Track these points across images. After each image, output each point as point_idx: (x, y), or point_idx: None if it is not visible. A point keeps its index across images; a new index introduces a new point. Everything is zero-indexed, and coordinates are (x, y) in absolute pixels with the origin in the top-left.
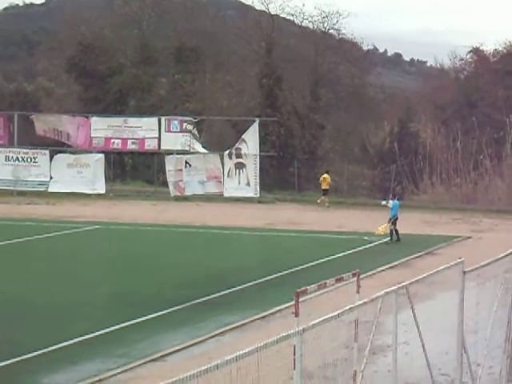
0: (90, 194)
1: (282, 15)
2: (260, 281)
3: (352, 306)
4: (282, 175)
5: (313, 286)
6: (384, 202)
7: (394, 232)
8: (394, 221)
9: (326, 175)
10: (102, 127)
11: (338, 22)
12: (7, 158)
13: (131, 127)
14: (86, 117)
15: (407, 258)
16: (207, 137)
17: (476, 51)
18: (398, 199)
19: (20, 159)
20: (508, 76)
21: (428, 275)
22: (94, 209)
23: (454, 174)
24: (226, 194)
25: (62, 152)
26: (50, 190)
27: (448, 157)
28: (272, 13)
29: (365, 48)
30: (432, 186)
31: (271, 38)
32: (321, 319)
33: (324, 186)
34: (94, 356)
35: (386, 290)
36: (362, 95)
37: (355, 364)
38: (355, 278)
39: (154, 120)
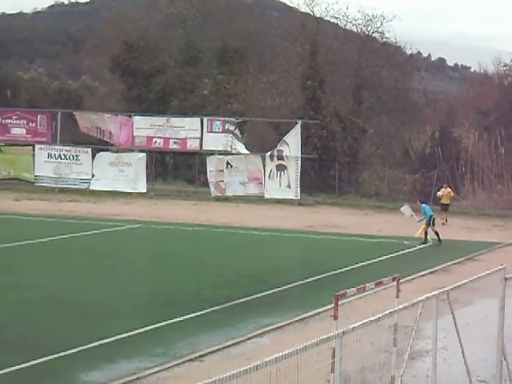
0: (132, 193)
1: (326, 18)
2: (299, 283)
3: (393, 310)
4: (323, 178)
5: (352, 289)
6: (404, 211)
7: (438, 233)
8: (433, 222)
9: (449, 189)
10: (144, 126)
11: (381, 25)
12: (50, 156)
13: (173, 127)
14: (129, 116)
15: (448, 264)
16: (249, 138)
17: None
18: (423, 202)
19: (62, 157)
20: None
21: (469, 281)
22: (134, 207)
23: (496, 181)
24: (266, 196)
25: (104, 150)
26: (91, 187)
27: (490, 163)
28: (317, 15)
29: (408, 52)
30: (473, 191)
31: (315, 40)
32: (361, 323)
33: (445, 201)
34: (132, 354)
35: (427, 295)
36: (404, 99)
37: (393, 368)
38: (395, 283)
39: (196, 120)
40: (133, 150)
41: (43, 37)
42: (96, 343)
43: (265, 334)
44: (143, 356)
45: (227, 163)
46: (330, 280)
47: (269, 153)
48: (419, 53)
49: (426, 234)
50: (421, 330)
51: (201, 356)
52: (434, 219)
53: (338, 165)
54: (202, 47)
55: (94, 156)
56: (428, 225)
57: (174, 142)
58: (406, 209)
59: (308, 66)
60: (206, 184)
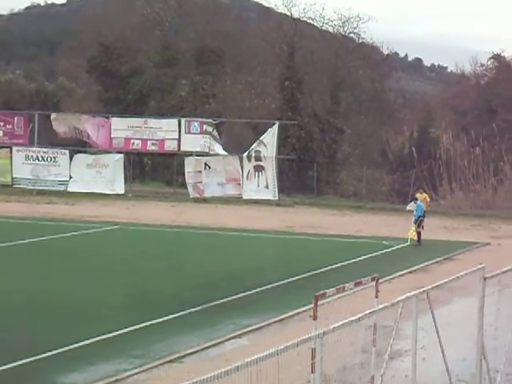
0: (109, 195)
1: (303, 19)
2: (278, 284)
3: (373, 309)
4: (302, 178)
5: (332, 289)
6: (409, 207)
7: (420, 234)
8: (419, 222)
9: (425, 194)
10: (122, 128)
11: (357, 26)
12: (27, 157)
13: (151, 128)
14: (107, 117)
15: (426, 263)
16: (227, 139)
17: (497, 57)
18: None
19: (40, 158)
20: None
21: (448, 281)
22: (112, 209)
23: (474, 180)
24: (244, 197)
25: (81, 152)
26: (69, 189)
27: (467, 163)
28: (294, 16)
29: (385, 52)
30: (451, 191)
31: (293, 41)
32: (341, 323)
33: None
34: (111, 356)
35: (407, 295)
36: (381, 100)
37: (373, 369)
38: (374, 283)
39: (174, 121)
40: (110, 152)
41: (19, 39)
42: (75, 345)
43: (244, 335)
44: (122, 358)
45: (205, 164)
46: (308, 280)
47: (246, 153)
48: (396, 53)
49: (418, 233)
50: (400, 330)
51: (180, 357)
52: (421, 220)
53: (316, 165)
54: (179, 48)
55: (71, 158)
56: (414, 223)
57: (152, 144)
58: (411, 205)
59: (286, 66)
60: (184, 185)
